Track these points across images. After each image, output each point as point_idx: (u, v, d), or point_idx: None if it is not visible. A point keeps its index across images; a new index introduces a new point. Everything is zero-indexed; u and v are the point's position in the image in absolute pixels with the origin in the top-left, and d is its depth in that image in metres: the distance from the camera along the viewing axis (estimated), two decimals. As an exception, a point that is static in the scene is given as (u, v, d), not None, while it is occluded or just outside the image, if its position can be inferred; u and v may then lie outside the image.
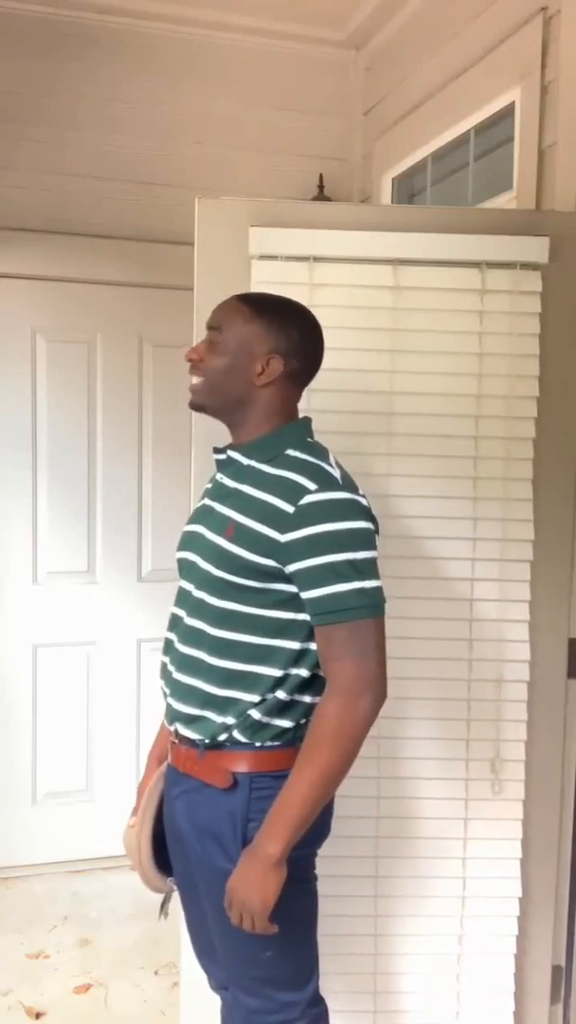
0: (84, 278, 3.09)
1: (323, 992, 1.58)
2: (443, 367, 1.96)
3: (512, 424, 1.97)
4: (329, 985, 1.71)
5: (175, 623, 1.57)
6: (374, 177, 3.16)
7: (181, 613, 1.55)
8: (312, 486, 1.41)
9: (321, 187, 3.14)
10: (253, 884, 1.35)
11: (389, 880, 2.00)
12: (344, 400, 1.93)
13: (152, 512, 3.25)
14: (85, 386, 3.16)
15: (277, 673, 1.44)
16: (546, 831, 2.04)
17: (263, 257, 1.93)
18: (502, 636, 1.99)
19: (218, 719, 1.46)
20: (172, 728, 1.54)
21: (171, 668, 1.55)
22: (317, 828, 1.46)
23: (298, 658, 1.45)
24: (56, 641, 3.17)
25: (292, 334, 1.51)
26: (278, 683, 1.45)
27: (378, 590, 1.42)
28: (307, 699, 1.47)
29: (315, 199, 3.13)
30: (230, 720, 1.45)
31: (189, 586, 1.54)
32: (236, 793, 1.46)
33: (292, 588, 1.42)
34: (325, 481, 1.43)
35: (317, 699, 1.44)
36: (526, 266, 1.95)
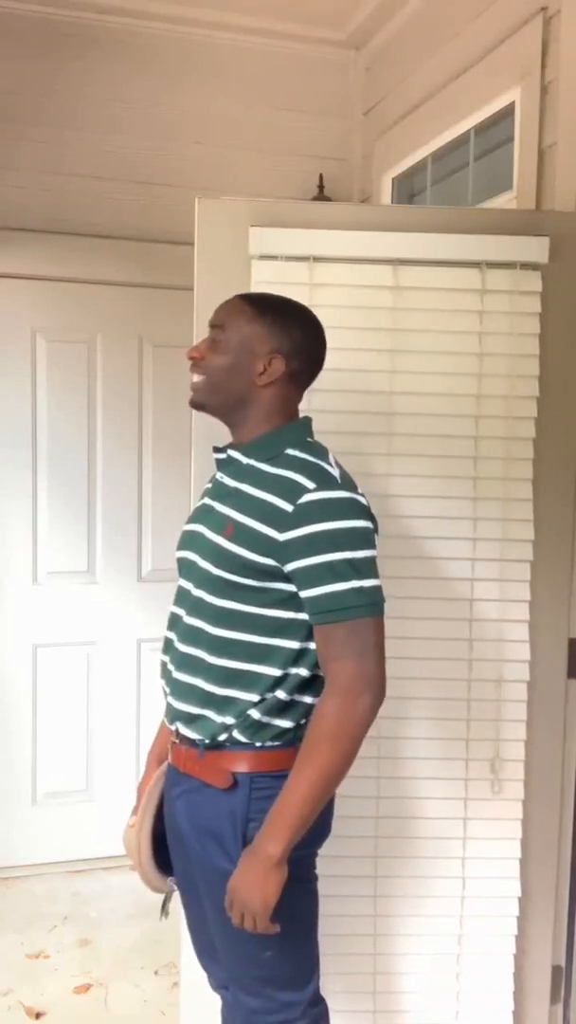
0: (84, 278, 3.09)
1: (323, 992, 1.58)
2: (443, 367, 1.96)
3: (512, 424, 1.97)
4: (329, 985, 1.71)
5: (174, 622, 1.57)
6: (374, 177, 3.16)
7: (180, 612, 1.55)
8: (311, 485, 1.41)
9: (321, 187, 3.14)
10: (254, 884, 1.35)
11: (389, 880, 2.00)
12: (344, 400, 1.93)
13: (152, 512, 3.25)
14: (85, 386, 3.16)
15: (276, 672, 1.44)
16: (546, 831, 2.04)
17: (263, 257, 1.93)
18: (502, 636, 1.99)
19: (218, 718, 1.46)
20: (173, 727, 1.55)
21: (171, 667, 1.55)
22: (317, 828, 1.46)
23: (297, 657, 1.45)
24: (56, 641, 3.17)
25: (295, 335, 1.51)
26: (278, 682, 1.45)
27: (377, 589, 1.42)
28: (307, 699, 1.47)
29: (315, 199, 3.13)
30: (230, 720, 1.45)
31: (188, 585, 1.54)
32: (236, 793, 1.46)
33: (291, 587, 1.42)
34: (324, 480, 1.43)
35: (317, 699, 1.44)
36: (526, 266, 1.95)
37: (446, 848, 2.00)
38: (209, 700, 1.47)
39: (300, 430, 1.55)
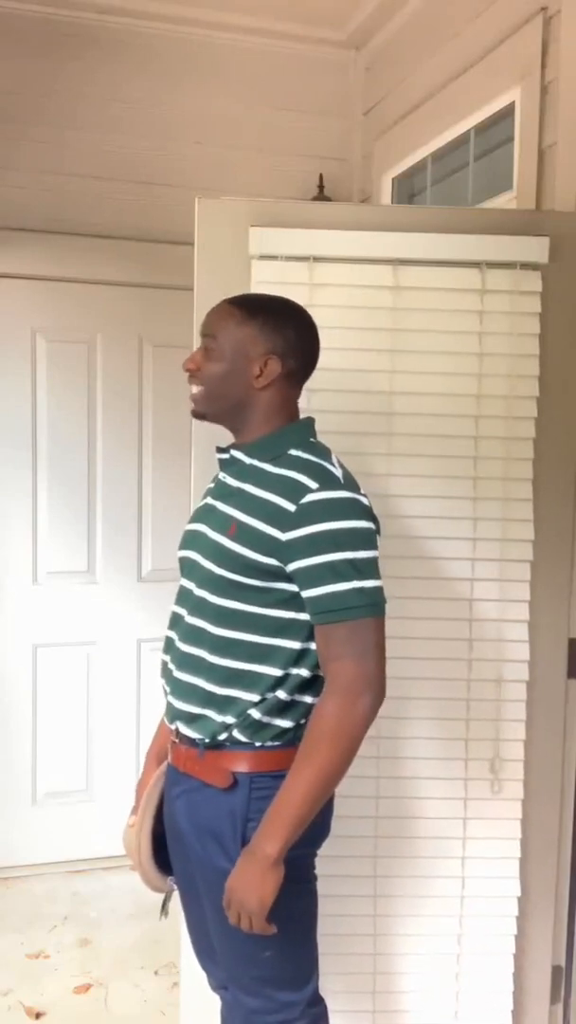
0: (84, 278, 3.09)
1: (322, 992, 1.58)
2: (443, 367, 1.96)
3: (512, 424, 1.97)
4: (328, 984, 1.71)
5: (176, 621, 1.57)
6: (374, 177, 3.16)
7: (182, 612, 1.55)
8: (314, 485, 1.41)
9: (321, 187, 3.14)
10: (251, 883, 1.35)
11: (388, 880, 2.00)
12: (344, 400, 1.93)
13: (152, 512, 3.25)
14: (85, 386, 3.16)
15: (277, 672, 1.44)
16: (545, 831, 2.04)
17: (263, 257, 1.93)
18: (502, 636, 1.99)
19: (218, 718, 1.46)
20: (173, 727, 1.55)
21: (172, 667, 1.55)
22: (317, 828, 1.46)
23: (298, 658, 1.45)
24: (56, 641, 3.17)
25: (287, 333, 1.51)
26: (278, 683, 1.45)
27: (378, 590, 1.42)
28: (307, 699, 1.47)
29: (315, 199, 3.13)
30: (230, 719, 1.45)
31: (190, 585, 1.54)
32: (236, 793, 1.46)
33: (293, 587, 1.42)
34: (327, 480, 1.43)
35: (317, 699, 1.44)
36: (526, 266, 1.95)
37: (446, 848, 2.00)
38: (210, 700, 1.47)
39: (303, 430, 1.55)
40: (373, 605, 1.40)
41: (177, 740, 1.54)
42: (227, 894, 1.39)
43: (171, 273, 2.86)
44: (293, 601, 1.43)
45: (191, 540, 1.58)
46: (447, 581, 1.98)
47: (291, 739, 1.46)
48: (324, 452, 1.50)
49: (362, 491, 1.47)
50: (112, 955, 2.68)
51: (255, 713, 1.44)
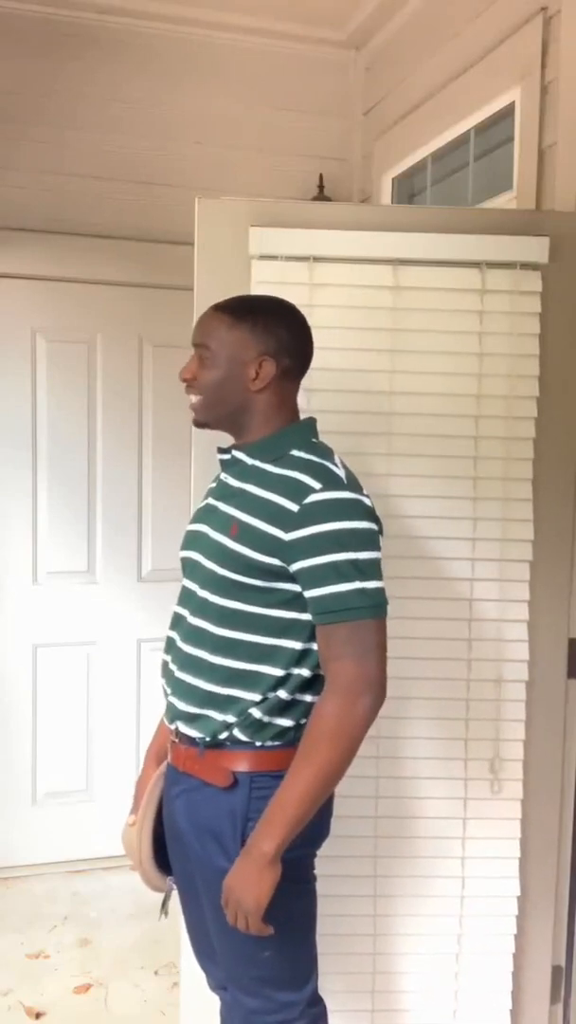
0: (84, 278, 3.09)
1: (321, 991, 1.58)
2: (443, 367, 1.96)
3: (512, 424, 1.97)
4: (328, 984, 1.71)
5: (177, 622, 1.57)
6: (374, 177, 3.16)
7: (184, 612, 1.55)
8: (317, 485, 1.41)
9: (321, 187, 3.14)
10: (247, 882, 1.35)
11: (388, 880, 2.00)
12: (344, 400, 1.93)
13: (152, 512, 3.25)
14: (85, 386, 3.16)
15: (279, 673, 1.44)
16: (545, 831, 2.04)
17: (263, 257, 1.93)
18: (502, 636, 1.99)
19: (219, 717, 1.46)
20: (173, 727, 1.55)
21: (173, 667, 1.55)
22: (316, 828, 1.47)
23: (300, 658, 1.45)
24: (56, 641, 3.17)
25: (279, 333, 1.50)
26: (280, 682, 1.45)
27: (380, 591, 1.42)
28: (308, 698, 1.47)
29: (315, 199, 3.13)
30: (231, 719, 1.45)
31: (193, 585, 1.54)
32: (236, 792, 1.46)
33: (296, 587, 1.42)
34: (330, 481, 1.43)
35: (318, 698, 1.44)
36: (526, 266, 1.95)
37: (445, 848, 2.00)
38: (210, 699, 1.47)
39: (305, 431, 1.55)
40: (375, 606, 1.40)
41: (177, 739, 1.54)
42: (225, 893, 1.39)
43: (171, 273, 2.85)
44: (295, 601, 1.43)
45: (193, 541, 1.58)
46: (447, 581, 1.98)
47: (291, 739, 1.46)
48: (327, 452, 1.50)
49: (365, 492, 1.47)
50: (112, 955, 2.68)
51: (256, 712, 1.44)
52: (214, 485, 1.62)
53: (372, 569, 1.41)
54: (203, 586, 1.51)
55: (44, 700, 3.17)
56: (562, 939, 2.10)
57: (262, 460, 1.50)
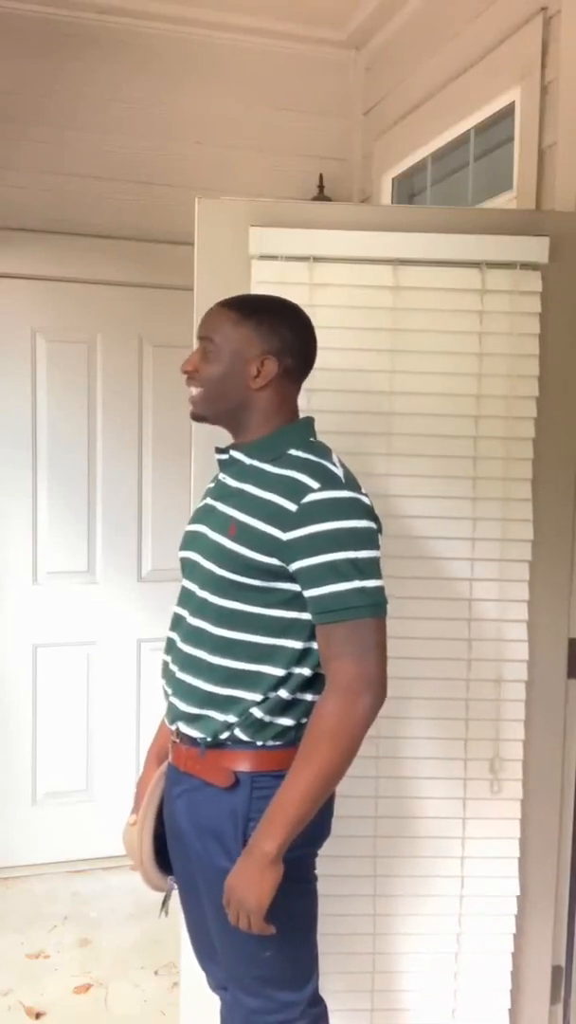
0: (84, 278, 3.09)
1: (321, 991, 1.58)
2: (443, 367, 1.97)
3: (512, 424, 1.97)
4: (327, 984, 1.71)
5: (177, 622, 1.57)
6: (374, 177, 3.16)
7: (184, 613, 1.55)
8: (315, 484, 1.42)
9: (321, 187, 3.14)
10: (249, 882, 1.35)
11: (387, 879, 2.00)
12: (344, 400, 1.93)
13: (152, 512, 3.25)
14: (85, 386, 3.17)
15: (279, 672, 1.44)
16: (544, 831, 2.04)
17: (263, 257, 1.93)
18: (501, 636, 1.99)
19: (220, 717, 1.46)
20: (173, 727, 1.55)
21: (173, 667, 1.55)
22: (317, 828, 1.47)
23: (300, 657, 1.45)
24: (56, 641, 3.17)
25: (283, 333, 1.51)
26: (280, 682, 1.45)
27: (379, 590, 1.42)
28: (309, 697, 1.47)
29: (315, 199, 3.13)
30: (232, 718, 1.45)
31: (192, 586, 1.54)
32: (237, 792, 1.46)
33: (295, 587, 1.42)
34: (328, 480, 1.43)
35: (319, 697, 1.44)
36: (526, 266, 1.95)
37: (445, 847, 2.00)
38: (211, 700, 1.47)
39: (303, 430, 1.55)
40: (374, 605, 1.40)
41: (178, 740, 1.54)
42: (227, 893, 1.39)
43: (171, 273, 2.86)
44: (295, 601, 1.43)
45: (191, 541, 1.58)
46: (447, 581, 1.98)
47: (293, 739, 1.46)
48: (324, 451, 1.50)
49: (363, 490, 1.47)
50: (112, 955, 2.68)
51: (257, 712, 1.44)
52: (212, 485, 1.62)
53: (371, 568, 1.41)
54: (202, 586, 1.51)
55: (44, 700, 3.17)
56: (562, 939, 2.10)
57: (260, 460, 1.50)
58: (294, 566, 1.41)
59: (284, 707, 1.46)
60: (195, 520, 1.60)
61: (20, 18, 2.94)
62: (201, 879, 1.52)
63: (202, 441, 1.88)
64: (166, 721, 1.60)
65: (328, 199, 3.13)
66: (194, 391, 1.54)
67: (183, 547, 1.60)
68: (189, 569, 1.56)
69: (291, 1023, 1.51)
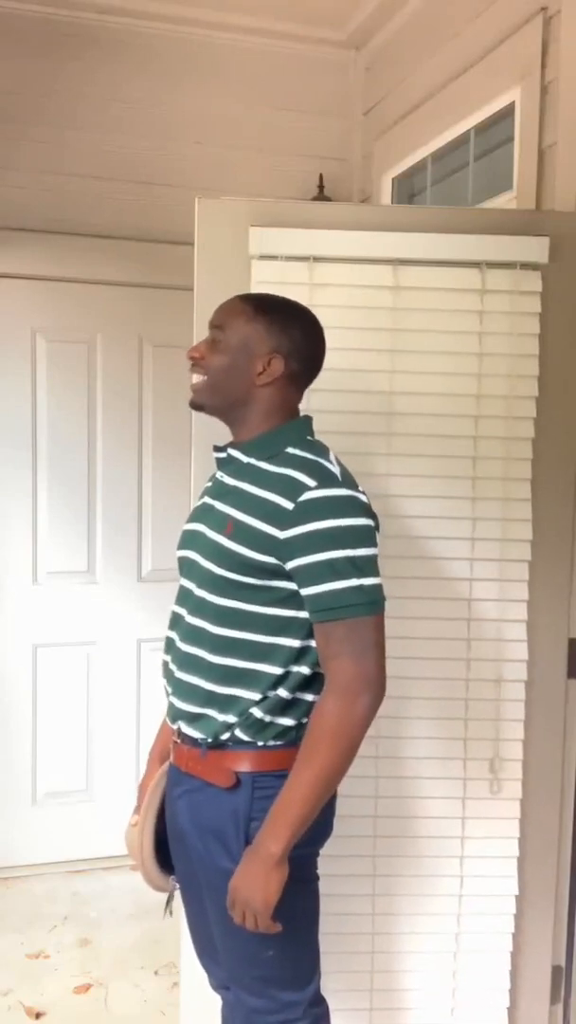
0: (84, 278, 3.09)
1: (321, 990, 1.58)
2: (443, 367, 1.97)
3: (512, 424, 1.97)
4: (327, 983, 1.70)
5: (176, 621, 1.57)
6: (374, 177, 3.16)
7: (182, 612, 1.55)
8: (312, 483, 1.42)
9: (321, 187, 3.15)
10: (255, 883, 1.36)
11: (387, 879, 2.00)
12: (344, 400, 1.93)
13: (152, 512, 3.25)
14: (85, 386, 3.17)
15: (278, 671, 1.44)
16: (544, 831, 2.05)
17: (263, 257, 1.93)
18: (501, 636, 1.99)
19: (220, 717, 1.46)
20: (175, 727, 1.55)
21: (173, 667, 1.55)
22: (319, 827, 1.47)
23: (299, 656, 1.45)
24: (56, 641, 3.18)
25: (294, 335, 1.51)
26: (279, 681, 1.45)
27: (377, 588, 1.42)
28: (309, 697, 1.47)
29: (315, 199, 3.13)
30: (232, 718, 1.45)
31: (190, 585, 1.54)
32: (239, 792, 1.46)
33: (292, 585, 1.42)
34: (325, 478, 1.43)
35: (319, 697, 1.44)
36: (526, 266, 1.95)
37: (445, 847, 2.00)
38: (211, 699, 1.47)
39: (300, 428, 1.55)
40: (372, 603, 1.40)
41: (179, 740, 1.54)
42: (231, 894, 1.39)
43: (171, 273, 2.86)
44: (292, 599, 1.43)
45: (190, 540, 1.58)
46: (446, 581, 1.98)
47: (293, 738, 1.46)
48: (322, 450, 1.50)
49: (360, 488, 1.47)
50: (112, 955, 2.68)
51: (257, 712, 1.44)
52: (210, 484, 1.62)
53: (369, 566, 1.41)
54: (200, 585, 1.51)
55: (44, 700, 3.17)
56: (562, 939, 2.10)
57: (257, 458, 1.50)
58: (291, 564, 1.41)
59: (284, 707, 1.46)
60: (193, 519, 1.60)
61: (20, 18, 2.94)
62: (203, 879, 1.52)
63: (202, 441, 1.88)
64: (167, 720, 1.60)
65: (328, 199, 3.13)
66: (196, 378, 1.55)
67: (181, 546, 1.60)
68: (187, 568, 1.57)
69: (293, 1023, 1.51)
